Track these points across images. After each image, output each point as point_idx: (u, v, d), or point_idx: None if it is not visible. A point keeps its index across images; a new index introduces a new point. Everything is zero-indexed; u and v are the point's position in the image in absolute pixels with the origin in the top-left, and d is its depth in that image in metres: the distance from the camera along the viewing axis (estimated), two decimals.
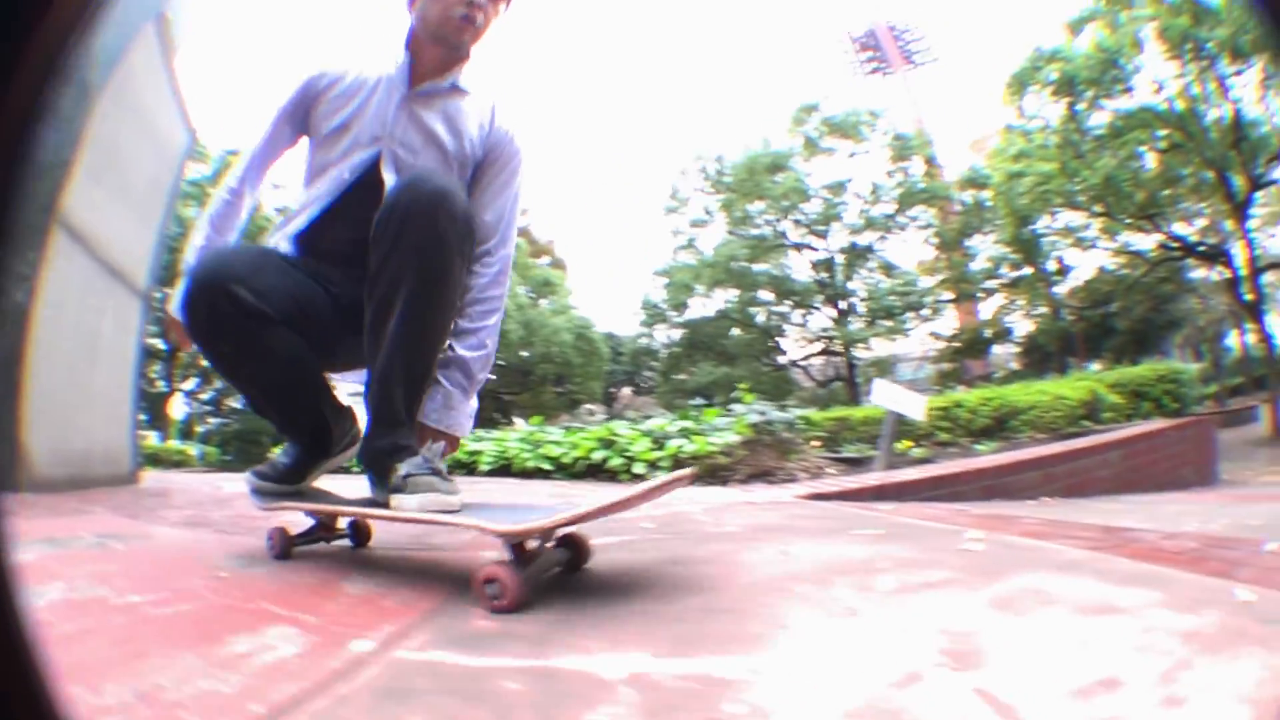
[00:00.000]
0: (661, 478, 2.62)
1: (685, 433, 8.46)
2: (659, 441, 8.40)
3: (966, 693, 1.39)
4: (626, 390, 38.00)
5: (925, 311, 34.25)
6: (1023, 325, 35.37)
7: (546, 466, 8.88)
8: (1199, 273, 29.95)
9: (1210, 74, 21.90)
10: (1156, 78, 22.91)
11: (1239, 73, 21.68)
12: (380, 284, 2.71)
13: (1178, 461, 9.04)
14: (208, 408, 37.65)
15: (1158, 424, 10.08)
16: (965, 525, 3.54)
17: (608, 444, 8.73)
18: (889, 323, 33.32)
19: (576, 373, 32.88)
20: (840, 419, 12.91)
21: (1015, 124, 24.97)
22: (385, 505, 2.67)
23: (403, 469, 2.64)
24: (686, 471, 2.80)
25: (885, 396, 8.32)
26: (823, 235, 34.70)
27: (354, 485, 3.39)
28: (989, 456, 7.88)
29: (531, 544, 2.37)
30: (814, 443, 9.75)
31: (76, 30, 0.78)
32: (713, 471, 7.37)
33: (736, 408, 9.40)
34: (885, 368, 36.35)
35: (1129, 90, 23.21)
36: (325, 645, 1.80)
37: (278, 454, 3.20)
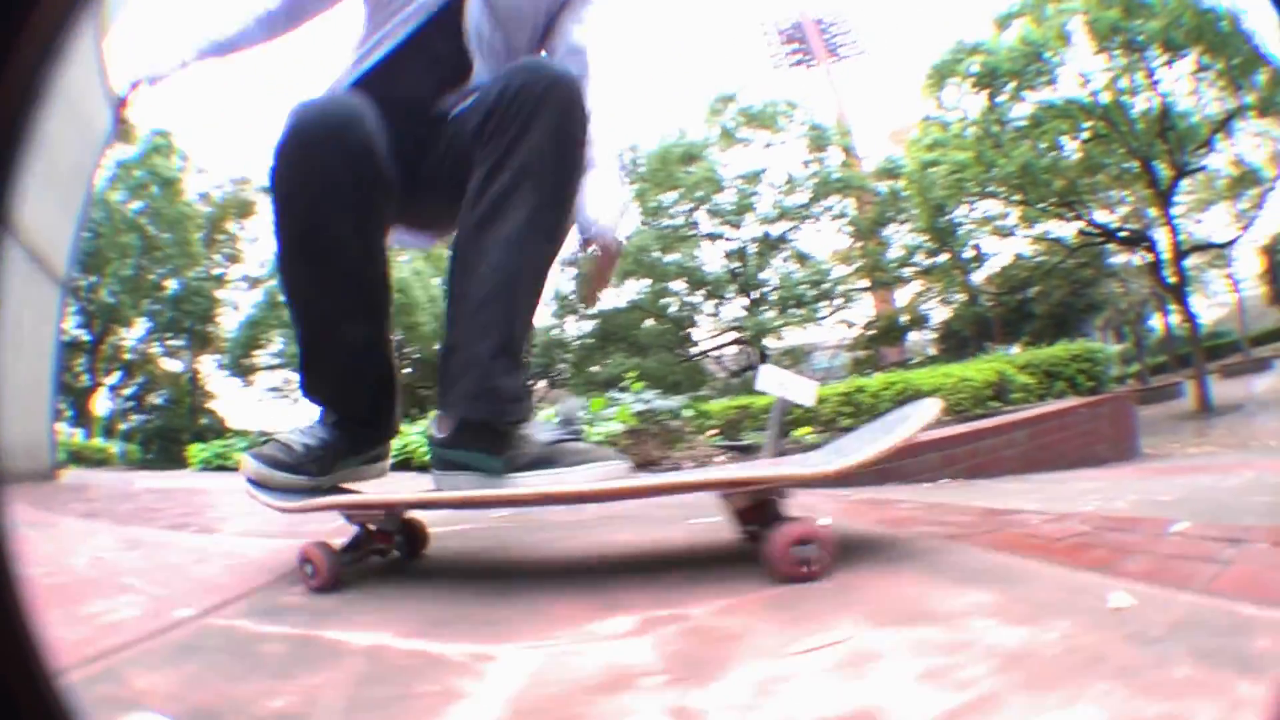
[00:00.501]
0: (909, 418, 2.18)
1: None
2: None
3: (658, 711, 1.21)
4: (542, 383, 37.36)
5: (838, 300, 33.98)
6: (940, 312, 35.57)
7: None
8: (1121, 257, 30.21)
9: (1140, 66, 21.93)
10: (1082, 70, 22.89)
11: (1170, 64, 21.73)
12: (503, 173, 2.13)
13: (1092, 438, 8.74)
14: (131, 404, 36.68)
15: (1069, 402, 9.91)
16: (830, 511, 3.22)
17: None
18: (801, 311, 32.85)
19: None
20: (742, 407, 12.67)
21: (934, 115, 24.81)
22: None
23: (538, 433, 2.19)
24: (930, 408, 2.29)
25: (772, 382, 7.80)
26: (736, 225, 34.20)
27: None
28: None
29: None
30: (712, 431, 9.94)
31: (72, 15, 0.79)
32: None
33: (625, 397, 9.20)
34: (799, 356, 35.98)
35: (1053, 83, 23.18)
36: (157, 611, 1.96)
37: (290, 434, 2.38)
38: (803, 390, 7.69)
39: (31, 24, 0.74)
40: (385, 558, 2.44)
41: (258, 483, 2.30)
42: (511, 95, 2.11)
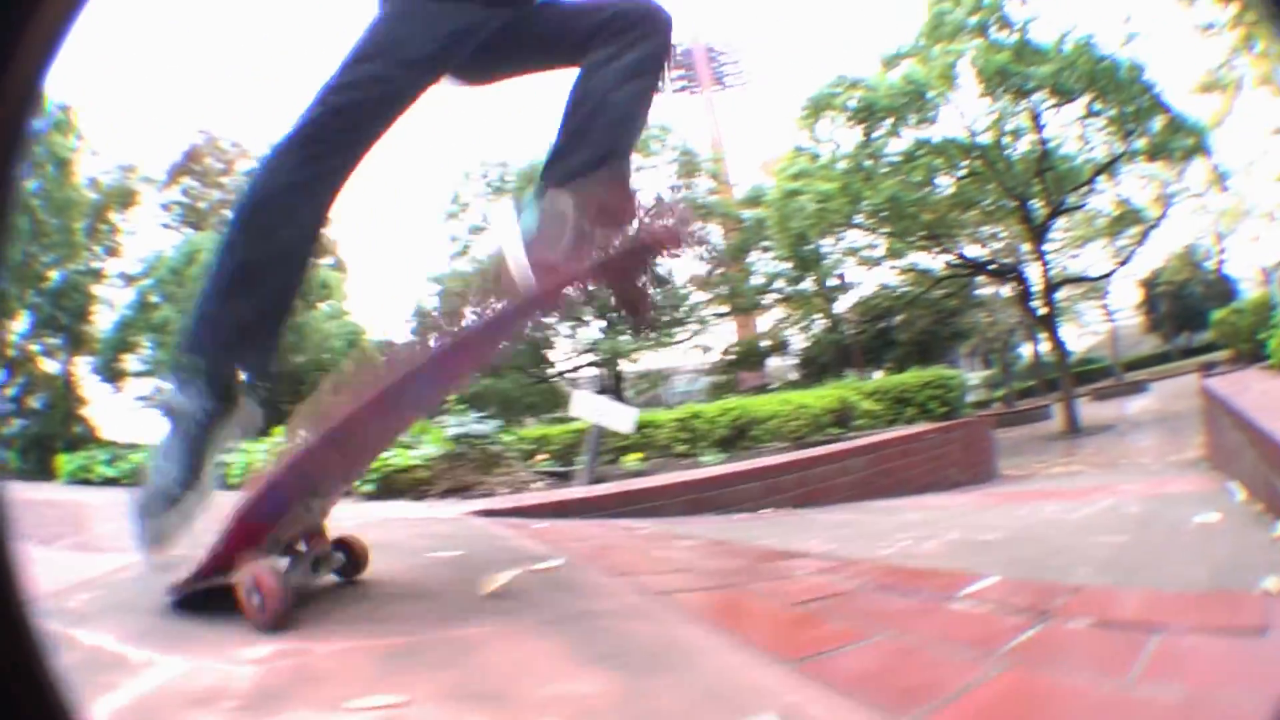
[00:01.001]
0: None
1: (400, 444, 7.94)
2: None
3: None
4: None
5: (693, 325, 33.59)
6: (802, 338, 35.29)
7: None
8: (989, 289, 30.61)
9: (1025, 109, 22.04)
10: (963, 110, 22.86)
11: (1058, 108, 21.84)
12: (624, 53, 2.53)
13: (943, 463, 8.67)
14: (12, 406, 34.56)
15: (915, 428, 9.78)
16: (584, 550, 3.01)
17: None
18: (654, 336, 32.36)
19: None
20: (581, 431, 12.22)
21: (805, 146, 24.64)
22: None
23: None
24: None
25: (587, 409, 8.13)
26: None
27: None
28: (699, 469, 7.60)
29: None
30: (542, 455, 9.88)
31: (70, 19, 0.81)
32: (413, 485, 7.29)
33: (446, 419, 8.82)
34: (656, 380, 36.18)
35: (932, 121, 23.06)
36: None
37: (156, 455, 2.26)
38: (620, 418, 8.03)
39: (31, 31, 0.75)
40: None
41: (149, 535, 2.18)
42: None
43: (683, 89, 59.90)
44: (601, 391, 33.54)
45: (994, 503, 5.69)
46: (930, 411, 12.75)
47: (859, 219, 23.41)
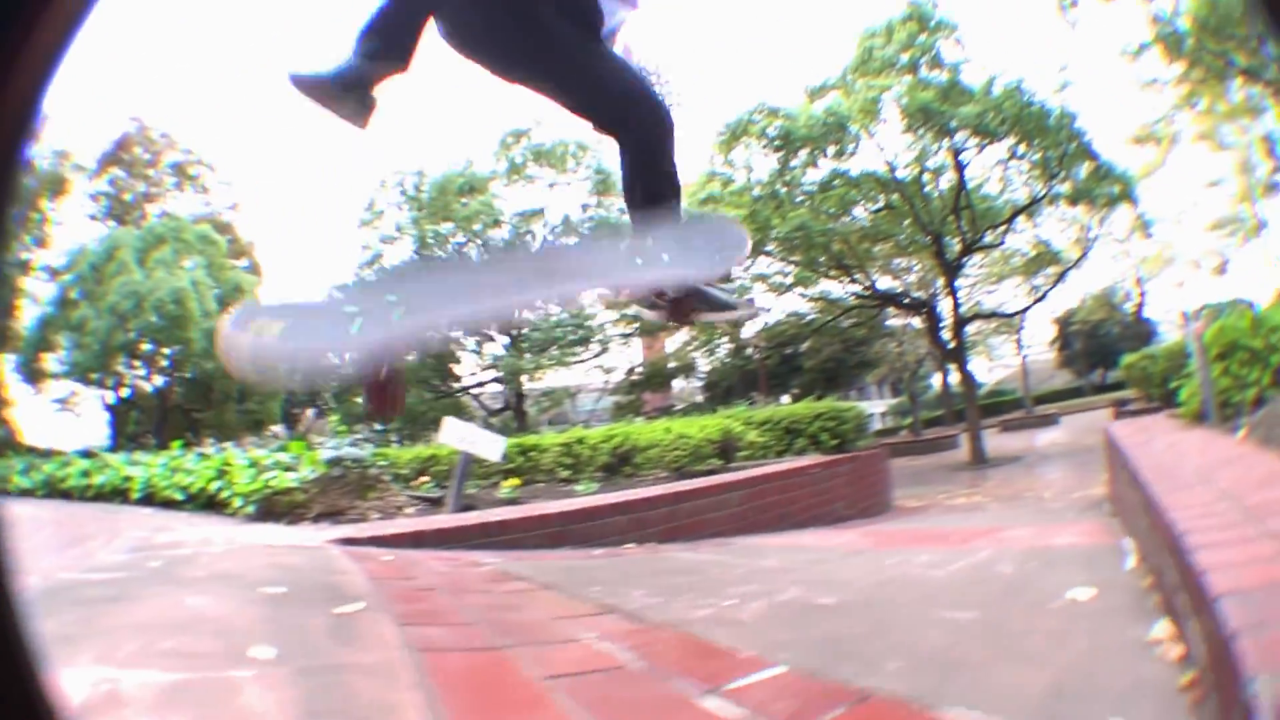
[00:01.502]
0: None
1: (279, 465, 8.32)
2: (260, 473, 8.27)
3: None
4: (310, 412, 35.31)
5: (595, 346, 33.19)
6: (707, 362, 35.67)
7: (178, 496, 8.73)
8: (900, 319, 31.11)
9: (947, 147, 22.21)
10: (885, 145, 22.94)
11: (980, 149, 22.15)
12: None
13: (828, 497, 8.51)
14: None
15: (800, 461, 9.75)
16: (373, 589, 3.13)
17: (221, 474, 8.60)
18: (555, 355, 32.09)
19: (255, 390, 29.64)
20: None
21: (719, 171, 24.44)
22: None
23: None
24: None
25: (455, 436, 8.22)
26: None
27: None
28: (566, 500, 7.55)
29: None
30: (423, 478, 9.93)
31: (72, 30, 0.83)
32: (290, 508, 7.39)
33: (328, 441, 9.20)
34: (559, 398, 35.87)
35: (851, 154, 23.08)
36: None
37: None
38: (489, 445, 8.16)
39: (33, 40, 0.77)
40: None
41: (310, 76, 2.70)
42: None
43: None
44: (504, 409, 33.24)
45: (867, 546, 5.35)
46: (821, 443, 12.67)
47: (768, 246, 23.24)
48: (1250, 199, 39.68)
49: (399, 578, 3.51)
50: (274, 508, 7.38)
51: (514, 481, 9.72)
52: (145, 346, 26.23)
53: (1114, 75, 41.63)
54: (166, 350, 26.51)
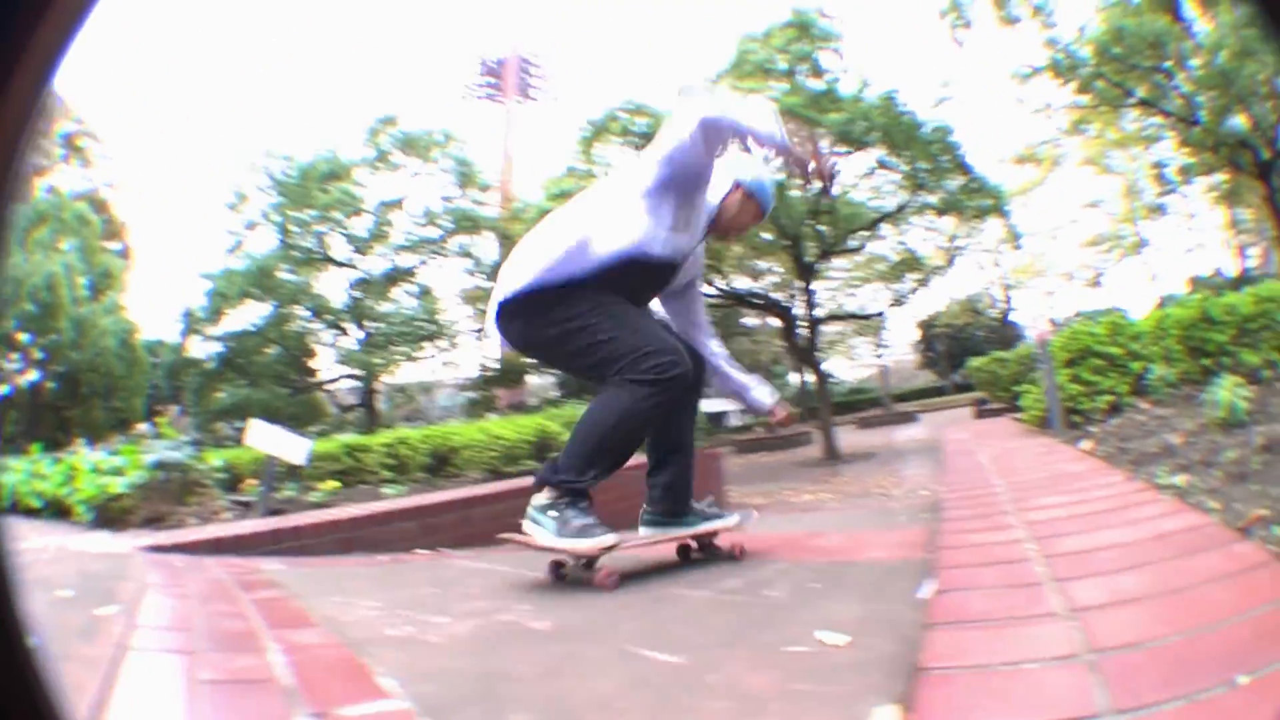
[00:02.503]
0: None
1: (114, 470, 8.11)
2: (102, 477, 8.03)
3: None
4: (175, 409, 33.84)
5: (444, 341, 32.81)
6: None
7: (37, 504, 8.43)
8: (753, 319, 32.19)
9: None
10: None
11: (846, 156, 21.98)
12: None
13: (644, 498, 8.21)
14: None
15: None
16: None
17: (69, 479, 8.29)
18: (403, 350, 31.29)
19: (121, 386, 28.06)
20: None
21: (579, 167, 24.18)
22: None
23: None
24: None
25: (261, 439, 8.16)
26: (366, 254, 32.51)
27: None
28: (361, 506, 7.23)
29: None
30: (252, 481, 9.78)
31: (72, 33, 0.83)
32: (121, 515, 7.32)
33: (157, 444, 9.16)
34: (411, 394, 35.62)
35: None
36: None
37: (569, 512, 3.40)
38: (294, 448, 8.16)
39: (34, 43, 0.78)
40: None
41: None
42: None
43: (488, 97, 59.58)
44: (358, 405, 32.57)
45: (655, 554, 4.81)
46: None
47: None
48: (1133, 220, 41.55)
49: (171, 584, 3.55)
50: (109, 514, 7.24)
51: (332, 484, 9.75)
52: (23, 338, 24.71)
53: (1003, 96, 42.95)
54: (41, 342, 24.93)
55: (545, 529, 3.35)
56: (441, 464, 10.81)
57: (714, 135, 3.40)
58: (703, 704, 1.83)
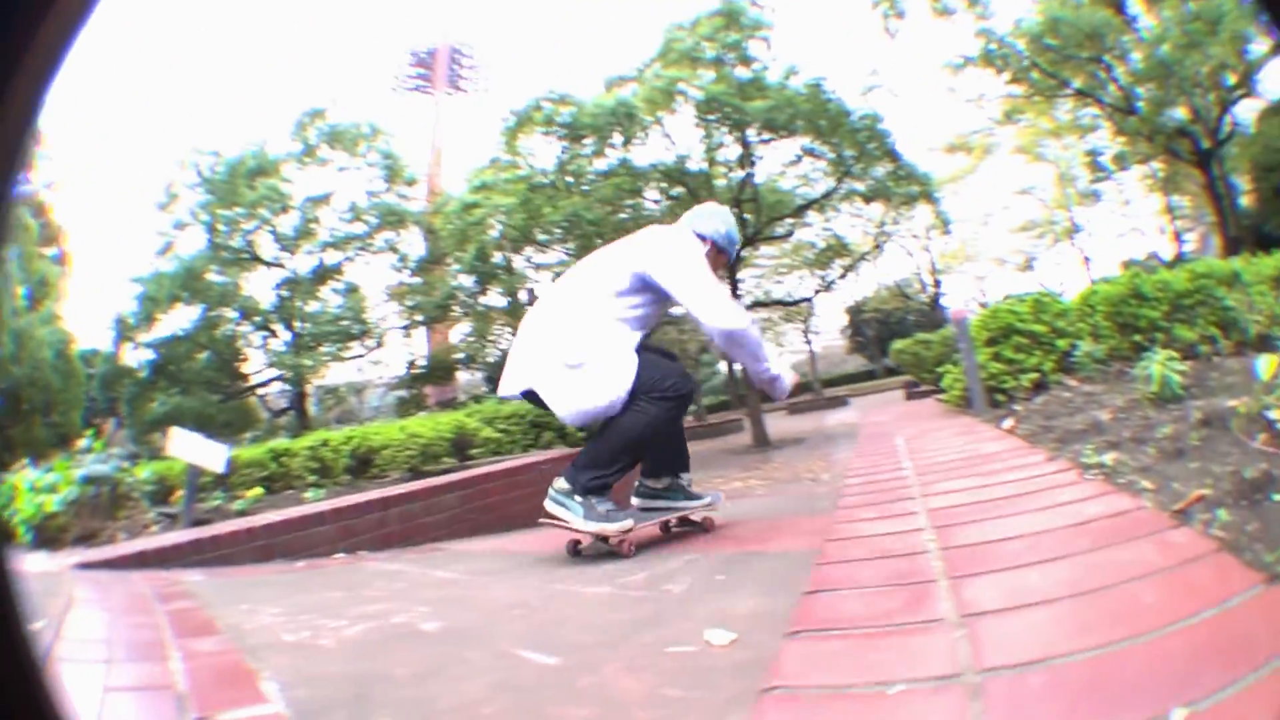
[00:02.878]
0: None
1: (49, 488, 7.95)
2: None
3: None
4: (112, 421, 32.78)
5: (371, 340, 32.40)
6: (489, 353, 34.40)
7: None
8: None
9: (737, 139, 22.36)
10: (673, 136, 22.89)
11: (766, 141, 22.33)
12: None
13: None
14: None
15: (528, 458, 9.42)
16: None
17: (10, 501, 8.04)
18: (331, 349, 30.81)
19: (59, 400, 26.98)
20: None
21: (503, 159, 23.96)
22: None
23: None
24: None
25: (182, 448, 7.94)
26: (294, 252, 31.85)
27: None
28: (278, 512, 7.14)
29: None
30: (180, 491, 9.31)
31: (74, 32, 0.84)
32: (57, 533, 7.32)
33: (86, 459, 9.08)
34: (342, 395, 35.48)
35: (639, 143, 22.80)
36: None
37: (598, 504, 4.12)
38: (213, 456, 7.87)
39: (34, 46, 0.79)
40: None
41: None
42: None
43: (417, 89, 59.00)
44: (288, 409, 32.08)
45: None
46: (569, 436, 12.60)
47: (542, 235, 23.48)
48: (1066, 206, 42.12)
49: (95, 600, 3.56)
50: (45, 533, 7.23)
51: (255, 491, 9.54)
52: None
53: (935, 86, 43.38)
54: None
55: (574, 513, 4.01)
56: (364, 465, 10.84)
57: (736, 342, 4.20)
58: (566, 711, 1.79)
